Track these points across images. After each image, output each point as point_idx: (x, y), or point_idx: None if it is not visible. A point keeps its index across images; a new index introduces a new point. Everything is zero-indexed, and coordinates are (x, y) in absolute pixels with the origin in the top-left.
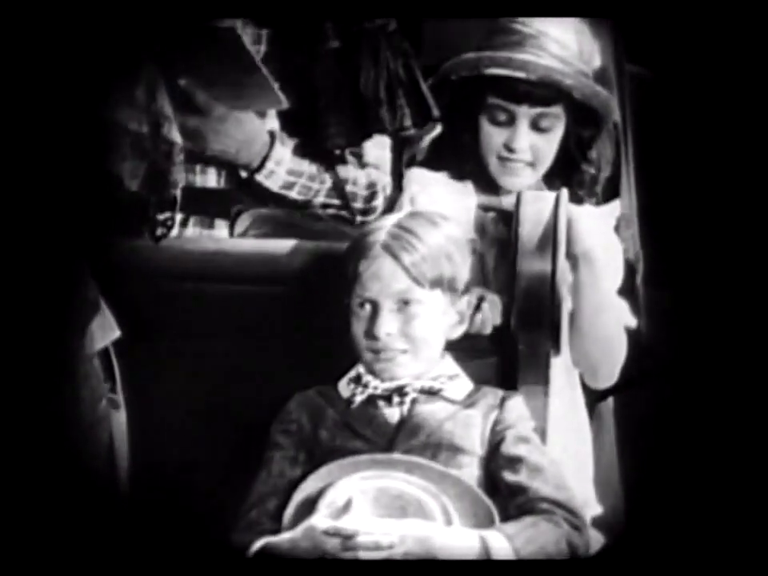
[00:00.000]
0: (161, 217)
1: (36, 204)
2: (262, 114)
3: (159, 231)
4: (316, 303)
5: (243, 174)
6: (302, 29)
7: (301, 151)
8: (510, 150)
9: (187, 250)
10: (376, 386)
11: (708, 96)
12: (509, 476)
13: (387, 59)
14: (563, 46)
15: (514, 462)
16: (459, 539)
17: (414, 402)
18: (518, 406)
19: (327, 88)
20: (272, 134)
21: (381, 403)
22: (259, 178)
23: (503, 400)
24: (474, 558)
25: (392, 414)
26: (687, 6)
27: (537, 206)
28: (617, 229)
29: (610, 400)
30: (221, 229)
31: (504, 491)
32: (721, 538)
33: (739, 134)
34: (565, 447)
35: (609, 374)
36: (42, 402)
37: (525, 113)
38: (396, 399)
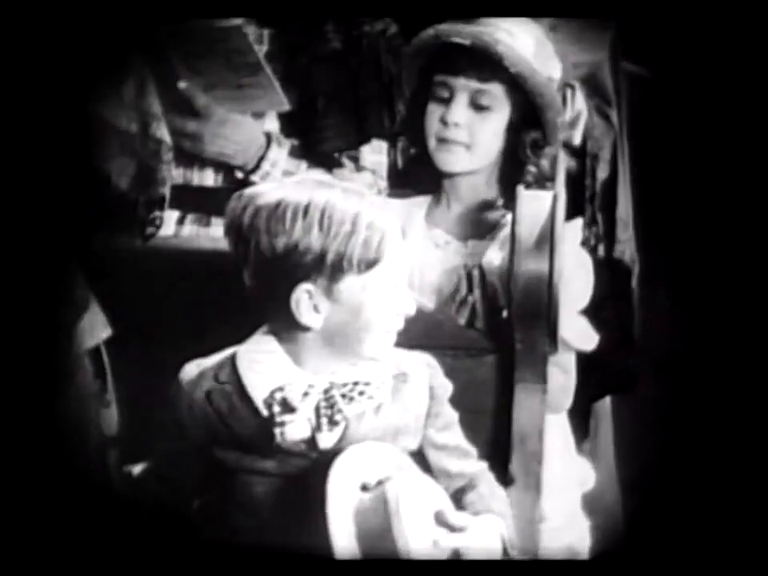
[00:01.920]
0: (149, 215)
1: (25, 201)
2: (259, 116)
3: (148, 230)
4: None
5: (239, 175)
6: (303, 30)
7: (298, 153)
8: (445, 123)
9: (182, 249)
10: (309, 416)
11: (705, 97)
12: (450, 464)
13: (387, 63)
14: (513, 36)
15: (451, 451)
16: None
17: (346, 428)
18: (446, 388)
19: (326, 90)
20: (268, 136)
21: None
22: (254, 178)
23: (432, 390)
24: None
25: (320, 439)
26: (684, 5)
27: (534, 205)
28: (585, 243)
29: (608, 399)
30: (217, 227)
31: (442, 476)
32: (719, 534)
33: (736, 135)
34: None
35: (564, 399)
36: (30, 400)
37: (463, 86)
38: (326, 426)
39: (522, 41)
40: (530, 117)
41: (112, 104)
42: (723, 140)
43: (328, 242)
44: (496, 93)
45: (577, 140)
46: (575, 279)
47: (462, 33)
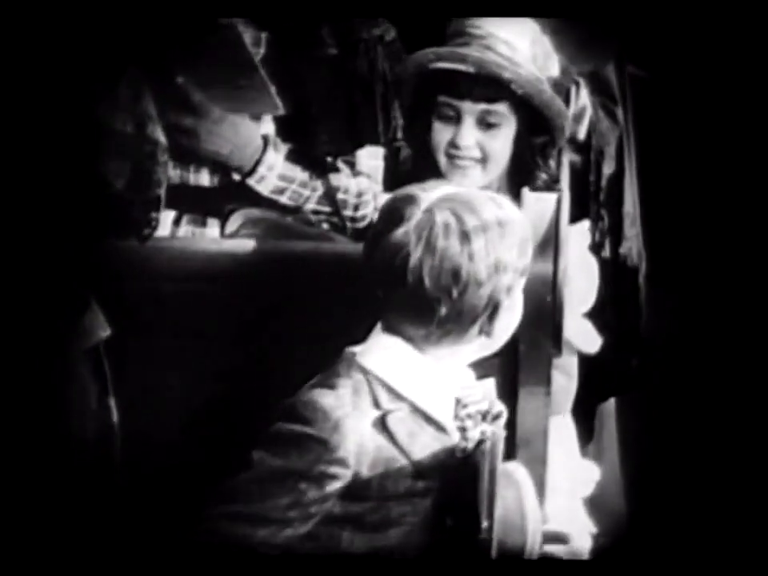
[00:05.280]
0: (146, 217)
1: (22, 203)
2: (257, 118)
3: (144, 231)
4: (310, 304)
5: (235, 177)
6: (301, 34)
7: (294, 157)
8: (456, 146)
9: (181, 250)
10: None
11: (710, 97)
12: None
13: (384, 69)
14: (512, 47)
15: None
16: None
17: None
18: None
19: (322, 95)
20: (265, 139)
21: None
22: (250, 182)
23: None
24: None
25: None
26: (688, 8)
27: (539, 207)
28: (592, 247)
29: (612, 401)
30: (213, 227)
31: None
32: (722, 536)
33: (741, 134)
34: None
35: (565, 402)
36: (30, 400)
37: (470, 109)
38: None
39: (522, 51)
40: (537, 124)
41: (107, 105)
42: (730, 136)
43: (524, 260)
44: (502, 110)
45: (581, 135)
46: (580, 281)
47: (465, 59)
